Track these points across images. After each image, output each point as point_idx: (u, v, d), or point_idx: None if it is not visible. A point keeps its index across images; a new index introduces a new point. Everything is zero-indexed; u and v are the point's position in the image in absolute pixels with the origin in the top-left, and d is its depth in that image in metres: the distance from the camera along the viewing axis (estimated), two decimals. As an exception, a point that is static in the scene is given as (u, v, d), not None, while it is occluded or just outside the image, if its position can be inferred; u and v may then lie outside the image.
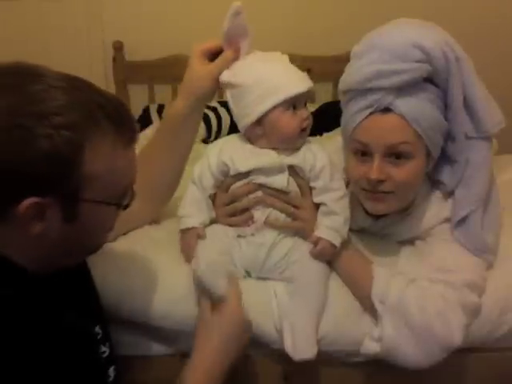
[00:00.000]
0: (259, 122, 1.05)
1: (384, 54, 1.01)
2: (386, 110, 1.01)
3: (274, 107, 1.03)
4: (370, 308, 1.06)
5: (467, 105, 1.05)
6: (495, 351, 1.13)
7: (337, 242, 1.06)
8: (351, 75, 1.05)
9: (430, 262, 1.07)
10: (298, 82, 1.05)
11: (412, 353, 1.01)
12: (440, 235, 1.12)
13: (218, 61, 1.06)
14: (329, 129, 2.11)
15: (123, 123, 0.78)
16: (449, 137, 1.08)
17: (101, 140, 0.74)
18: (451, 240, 1.10)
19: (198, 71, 1.07)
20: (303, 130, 1.07)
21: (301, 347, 1.00)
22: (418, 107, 1.01)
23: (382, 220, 1.18)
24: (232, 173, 1.07)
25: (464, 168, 1.08)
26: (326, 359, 1.09)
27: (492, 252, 1.11)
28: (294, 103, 1.04)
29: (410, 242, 1.18)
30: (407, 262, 1.12)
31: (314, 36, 2.46)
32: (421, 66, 1.00)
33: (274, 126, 1.04)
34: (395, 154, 1.02)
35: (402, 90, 1.01)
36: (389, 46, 1.01)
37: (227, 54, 1.06)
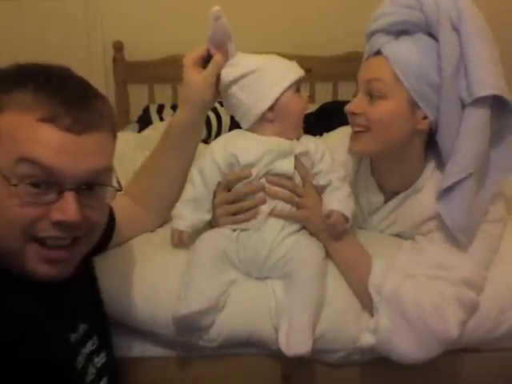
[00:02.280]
0: (272, 106, 1.08)
1: (384, 2, 1.11)
2: (378, 52, 1.09)
3: (288, 87, 1.07)
4: (366, 299, 1.06)
5: (465, 66, 1.04)
6: (494, 351, 1.13)
7: (348, 213, 1.08)
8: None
9: (430, 259, 1.07)
10: (297, 67, 1.11)
11: (407, 346, 1.01)
12: (441, 231, 1.11)
13: (210, 67, 1.07)
14: (329, 129, 2.10)
15: (61, 103, 0.73)
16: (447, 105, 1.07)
17: (15, 100, 0.73)
18: (452, 237, 1.09)
19: (194, 81, 1.07)
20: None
21: (295, 343, 0.99)
22: (405, 52, 1.06)
23: (390, 203, 1.19)
24: (242, 162, 1.07)
25: (456, 138, 1.07)
26: (326, 358, 1.09)
27: (467, 233, 1.08)
28: (298, 86, 1.10)
29: (410, 236, 1.18)
30: (406, 257, 1.11)
31: (314, 36, 2.47)
32: (409, 11, 1.06)
33: (286, 107, 1.08)
34: (372, 90, 1.08)
35: (397, 36, 1.07)
36: None
37: (217, 58, 1.07)
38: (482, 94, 1.02)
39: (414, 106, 1.06)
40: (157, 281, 1.09)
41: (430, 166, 1.14)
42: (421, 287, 1.02)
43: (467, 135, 1.05)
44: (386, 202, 1.21)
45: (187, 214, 1.11)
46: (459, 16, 1.03)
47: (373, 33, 1.11)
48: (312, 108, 2.34)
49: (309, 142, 1.12)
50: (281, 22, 2.47)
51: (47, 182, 0.74)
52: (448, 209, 1.07)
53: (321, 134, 2.04)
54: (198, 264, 1.06)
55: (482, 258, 1.09)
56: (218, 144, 1.12)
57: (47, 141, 0.73)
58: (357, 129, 1.10)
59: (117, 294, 1.07)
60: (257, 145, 1.08)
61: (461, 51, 1.04)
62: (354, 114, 1.10)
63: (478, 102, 1.03)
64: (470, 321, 1.05)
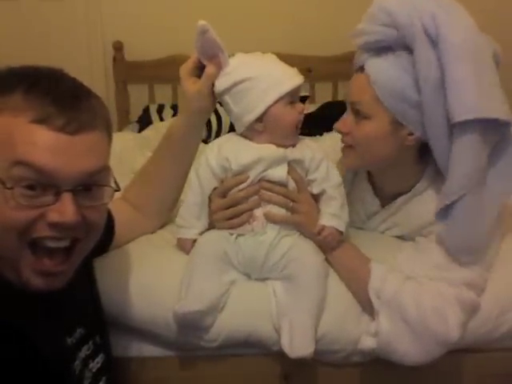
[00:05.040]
0: (260, 117, 1.05)
1: (366, 15, 1.08)
2: (362, 68, 1.07)
3: (278, 100, 1.04)
4: (366, 303, 1.06)
5: (446, 86, 1.00)
6: (495, 351, 1.13)
7: (341, 227, 1.08)
8: None
9: (431, 260, 1.07)
10: (294, 75, 1.07)
11: (408, 348, 1.00)
12: None
13: (203, 79, 1.06)
14: (329, 129, 2.10)
15: (53, 103, 0.73)
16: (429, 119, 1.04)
17: (6, 103, 0.73)
18: None
19: (190, 92, 1.07)
20: (299, 122, 1.09)
21: (298, 345, 0.99)
22: (384, 71, 1.04)
23: (387, 207, 1.19)
24: (234, 167, 1.06)
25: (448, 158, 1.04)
26: (327, 359, 1.09)
27: (469, 253, 1.06)
28: (292, 99, 1.06)
29: (411, 238, 1.18)
30: (407, 258, 1.11)
31: (314, 36, 2.47)
32: (384, 29, 1.03)
33: (275, 120, 1.05)
34: (356, 111, 1.08)
35: (379, 52, 1.05)
36: (370, 7, 1.07)
37: (209, 70, 1.06)
38: (459, 119, 0.98)
39: (397, 124, 1.06)
40: (156, 281, 1.09)
41: (431, 169, 1.13)
42: (421, 289, 1.02)
43: (454, 158, 1.02)
44: (383, 206, 1.21)
45: (194, 221, 1.11)
46: (437, 33, 0.99)
47: (359, 47, 1.10)
48: (312, 108, 2.34)
49: (305, 150, 1.09)
50: (281, 22, 2.47)
51: (43, 184, 0.73)
52: (445, 229, 1.06)
53: (321, 134, 2.05)
54: (199, 263, 1.06)
55: (484, 259, 1.09)
56: (212, 147, 1.12)
57: (40, 142, 0.72)
58: (343, 145, 1.13)
59: (116, 294, 1.07)
60: (249, 151, 1.07)
61: (441, 69, 1.00)
62: (341, 132, 1.11)
63: (463, 125, 0.99)
64: (471, 321, 1.05)
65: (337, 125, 1.12)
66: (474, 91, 0.98)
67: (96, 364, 0.93)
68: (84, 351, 0.90)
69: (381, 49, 1.05)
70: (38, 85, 0.74)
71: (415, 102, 1.03)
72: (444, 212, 1.05)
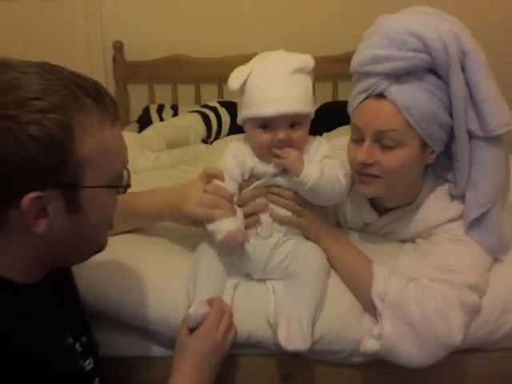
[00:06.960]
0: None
1: (383, 40, 1.03)
2: (381, 95, 1.03)
3: (246, 120, 1.05)
4: (368, 305, 1.06)
5: (474, 102, 1.04)
6: (495, 351, 1.12)
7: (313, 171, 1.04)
8: (355, 57, 1.08)
9: (432, 261, 1.07)
10: (273, 104, 1.00)
11: (411, 351, 1.00)
12: (443, 234, 1.11)
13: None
14: (329, 129, 2.11)
15: (104, 100, 0.76)
16: (452, 133, 1.07)
17: (87, 118, 0.72)
18: (454, 239, 1.10)
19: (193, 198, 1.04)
20: (275, 148, 1.03)
21: (294, 338, 0.98)
22: (412, 96, 1.02)
23: (385, 216, 1.19)
24: (255, 171, 1.07)
25: (470, 168, 1.08)
26: (327, 359, 1.09)
27: (505, 251, 1.13)
28: (264, 123, 1.02)
29: (412, 240, 1.18)
30: (408, 260, 1.11)
31: (314, 36, 2.47)
32: (417, 55, 1.00)
33: (248, 135, 1.07)
34: (385, 140, 1.04)
35: (400, 77, 1.02)
36: (388, 31, 1.03)
37: None
38: (499, 132, 1.04)
39: (424, 146, 1.06)
40: (158, 280, 1.10)
41: (429, 181, 1.14)
42: (424, 291, 1.02)
43: (487, 168, 1.06)
44: (381, 215, 1.20)
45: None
46: (464, 54, 1.01)
47: (374, 74, 1.03)
48: (312, 108, 2.34)
49: (311, 150, 1.09)
50: (282, 23, 2.48)
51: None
52: (480, 237, 1.09)
53: (320, 134, 2.05)
54: (204, 266, 1.06)
55: (485, 260, 1.09)
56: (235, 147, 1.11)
57: (123, 141, 0.80)
58: (366, 179, 1.08)
59: (118, 293, 1.07)
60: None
61: (468, 87, 1.02)
62: (365, 163, 1.06)
63: (498, 136, 1.05)
64: (473, 322, 1.05)
65: (359, 157, 1.05)
66: (503, 103, 1.05)
67: (88, 365, 0.92)
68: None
69: (401, 74, 1.02)
70: (93, 91, 0.75)
71: (445, 122, 1.04)
72: (476, 221, 1.08)
